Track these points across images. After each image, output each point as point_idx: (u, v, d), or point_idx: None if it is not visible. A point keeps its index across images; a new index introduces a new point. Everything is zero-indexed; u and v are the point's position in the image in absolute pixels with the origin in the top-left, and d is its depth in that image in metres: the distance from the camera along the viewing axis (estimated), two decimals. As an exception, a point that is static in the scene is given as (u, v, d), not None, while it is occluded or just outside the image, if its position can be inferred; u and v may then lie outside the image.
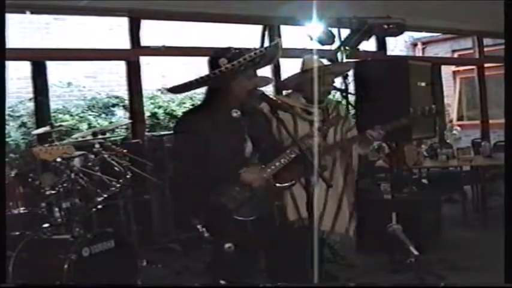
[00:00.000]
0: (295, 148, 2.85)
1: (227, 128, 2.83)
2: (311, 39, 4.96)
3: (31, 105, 5.89)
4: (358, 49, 4.95)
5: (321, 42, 4.97)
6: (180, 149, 2.87)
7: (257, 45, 6.52)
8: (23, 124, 6.68)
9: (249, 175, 2.78)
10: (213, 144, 2.77)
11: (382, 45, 7.55)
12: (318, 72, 3.59)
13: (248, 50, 2.75)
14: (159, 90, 7.71)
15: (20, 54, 5.24)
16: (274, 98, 3.02)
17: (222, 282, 2.76)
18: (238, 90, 2.83)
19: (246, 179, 2.77)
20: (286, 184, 2.90)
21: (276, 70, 6.43)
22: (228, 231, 2.71)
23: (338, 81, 4.29)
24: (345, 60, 4.55)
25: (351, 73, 4.51)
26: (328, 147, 3.58)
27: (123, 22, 5.81)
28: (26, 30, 6.31)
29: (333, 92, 4.32)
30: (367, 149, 3.84)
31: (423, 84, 4.28)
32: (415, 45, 10.51)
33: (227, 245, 2.65)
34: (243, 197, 2.76)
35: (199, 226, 2.70)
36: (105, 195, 4.07)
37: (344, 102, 4.31)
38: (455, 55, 10.30)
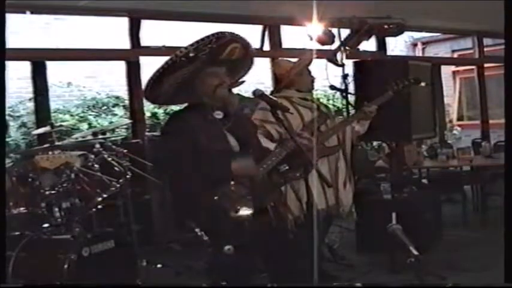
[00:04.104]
0: (284, 147, 2.88)
1: (210, 128, 2.83)
2: (311, 39, 4.95)
3: (31, 105, 5.89)
4: (358, 49, 4.94)
5: (321, 42, 4.96)
6: (170, 151, 2.85)
7: (257, 45, 6.53)
8: (23, 124, 6.67)
9: (240, 165, 2.77)
10: (201, 144, 2.77)
11: (382, 45, 7.56)
12: (302, 65, 3.87)
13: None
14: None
15: (20, 54, 5.24)
16: (274, 98, 3.03)
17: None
18: (206, 86, 2.84)
19: (237, 169, 2.76)
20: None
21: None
22: (226, 233, 2.69)
23: (338, 81, 4.30)
24: (344, 60, 4.55)
25: (351, 73, 4.52)
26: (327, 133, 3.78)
27: (123, 22, 5.81)
28: (26, 30, 6.30)
29: (332, 91, 4.34)
30: (365, 125, 3.99)
31: (423, 84, 4.29)
32: (415, 45, 10.50)
33: (226, 247, 2.64)
34: (239, 195, 2.75)
35: (197, 229, 2.69)
36: (105, 195, 4.06)
37: (344, 101, 4.33)
38: (455, 55, 10.29)
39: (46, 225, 3.79)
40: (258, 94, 2.85)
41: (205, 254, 2.84)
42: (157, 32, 6.19)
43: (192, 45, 2.70)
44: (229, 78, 2.92)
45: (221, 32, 2.76)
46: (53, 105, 6.12)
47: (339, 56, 4.63)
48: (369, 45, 5.85)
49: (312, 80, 3.97)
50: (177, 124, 2.88)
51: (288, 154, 2.91)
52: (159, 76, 2.76)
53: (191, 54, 2.71)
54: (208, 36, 2.70)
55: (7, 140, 6.14)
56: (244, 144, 2.91)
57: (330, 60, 4.34)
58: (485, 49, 8.65)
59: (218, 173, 2.75)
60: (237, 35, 2.89)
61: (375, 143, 7.52)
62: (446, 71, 9.74)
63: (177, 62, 2.72)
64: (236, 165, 2.76)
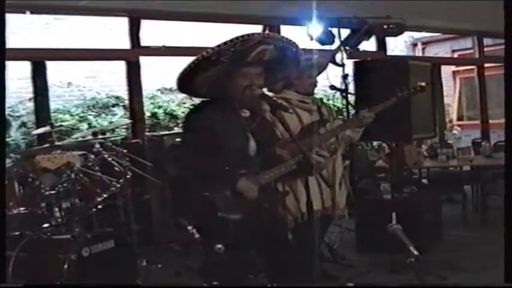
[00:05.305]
0: (296, 160, 2.86)
1: (234, 127, 2.83)
2: (311, 39, 4.95)
3: (31, 105, 5.89)
4: (358, 49, 4.94)
5: (321, 42, 4.97)
6: (191, 144, 2.81)
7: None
8: (23, 124, 6.68)
9: (245, 185, 2.74)
10: (220, 141, 2.76)
11: (382, 45, 7.55)
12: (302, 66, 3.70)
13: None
14: (159, 90, 7.71)
15: (20, 54, 5.24)
16: (275, 98, 3.02)
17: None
18: (235, 86, 2.82)
19: (241, 189, 2.73)
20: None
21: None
22: (218, 231, 2.67)
23: (338, 81, 4.30)
24: (345, 60, 4.55)
25: (351, 73, 4.51)
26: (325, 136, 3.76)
27: (123, 22, 5.81)
28: (26, 30, 6.30)
29: (331, 91, 4.34)
30: (359, 133, 3.96)
31: (423, 84, 4.29)
32: (415, 45, 10.49)
33: (217, 246, 2.61)
34: (234, 198, 2.73)
35: (189, 227, 2.67)
36: (105, 195, 4.07)
37: (344, 102, 4.32)
38: (455, 55, 10.29)
39: (46, 225, 3.79)
40: (258, 94, 2.85)
41: (198, 254, 2.82)
42: (157, 32, 6.19)
43: (213, 48, 2.66)
44: (264, 80, 2.88)
45: (249, 34, 2.72)
46: (53, 105, 6.12)
47: (338, 56, 4.64)
48: (369, 45, 5.86)
49: (313, 83, 3.90)
50: (202, 119, 2.83)
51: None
52: (190, 71, 2.74)
53: (213, 58, 2.68)
54: (232, 40, 2.65)
55: (7, 140, 6.14)
56: (261, 149, 2.90)
57: (330, 60, 4.34)
58: (485, 49, 8.65)
59: (227, 173, 2.74)
60: (269, 36, 2.86)
61: (375, 143, 7.53)
62: (446, 71, 9.74)
63: (201, 63, 2.69)
64: (242, 182, 2.74)
